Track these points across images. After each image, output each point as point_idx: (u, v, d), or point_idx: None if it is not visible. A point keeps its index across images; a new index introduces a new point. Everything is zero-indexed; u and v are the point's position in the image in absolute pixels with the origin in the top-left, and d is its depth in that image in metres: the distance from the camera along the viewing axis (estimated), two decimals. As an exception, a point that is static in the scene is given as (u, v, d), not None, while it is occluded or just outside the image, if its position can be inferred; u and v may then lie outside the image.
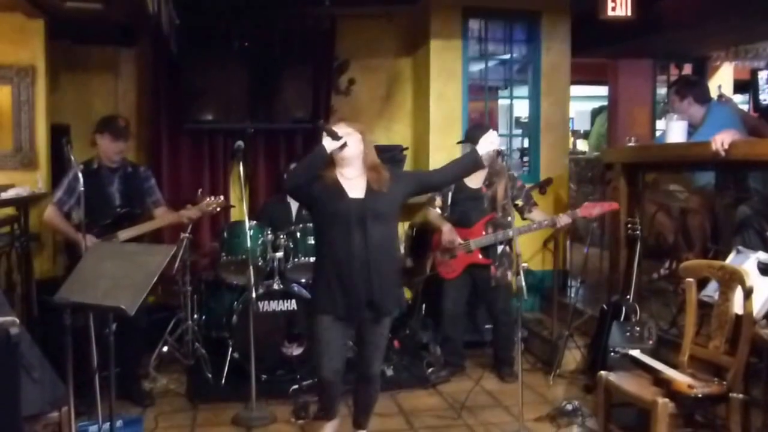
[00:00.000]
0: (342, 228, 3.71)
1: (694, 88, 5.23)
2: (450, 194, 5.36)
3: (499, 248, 5.25)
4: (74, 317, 3.33)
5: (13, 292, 5.26)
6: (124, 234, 4.82)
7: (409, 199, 4.06)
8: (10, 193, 5.22)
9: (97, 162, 4.92)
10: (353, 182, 3.79)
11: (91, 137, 4.97)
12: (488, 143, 3.93)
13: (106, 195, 4.89)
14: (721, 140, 3.90)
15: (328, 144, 3.67)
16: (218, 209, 5.11)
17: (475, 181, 5.30)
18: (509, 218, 5.03)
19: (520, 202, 5.28)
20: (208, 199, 5.05)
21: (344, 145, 3.70)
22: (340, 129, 3.73)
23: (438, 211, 5.40)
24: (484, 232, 5.23)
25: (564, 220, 5.14)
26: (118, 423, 4.10)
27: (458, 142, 5.52)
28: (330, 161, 3.78)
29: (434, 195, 5.42)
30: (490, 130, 4.04)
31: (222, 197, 5.20)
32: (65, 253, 5.07)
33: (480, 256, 5.24)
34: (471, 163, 4.00)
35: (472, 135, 5.30)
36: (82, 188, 4.17)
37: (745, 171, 4.32)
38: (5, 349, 2.70)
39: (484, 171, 5.28)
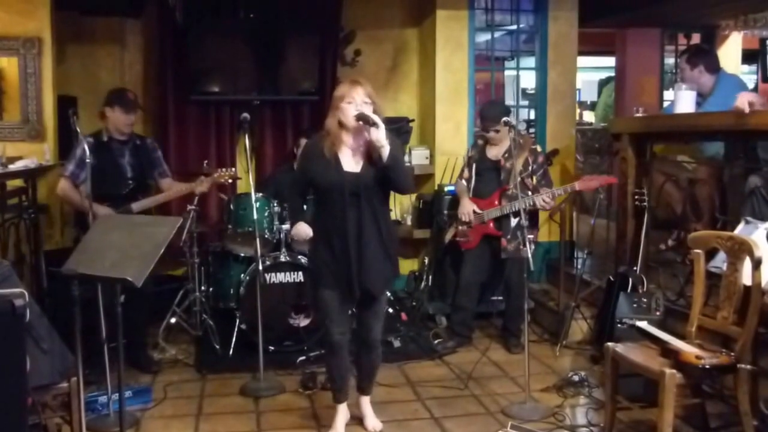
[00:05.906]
0: (336, 203, 3.65)
1: (705, 56, 5.17)
2: (474, 165, 5.36)
3: (513, 222, 5.16)
4: (83, 288, 3.35)
5: (23, 263, 5.29)
6: (137, 206, 4.89)
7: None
8: (18, 165, 5.22)
9: (106, 134, 4.93)
10: (353, 153, 3.69)
11: (100, 110, 4.96)
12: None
13: (117, 167, 4.91)
14: (747, 99, 3.86)
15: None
16: (230, 180, 5.16)
17: (494, 152, 5.29)
18: (528, 192, 5.04)
19: (535, 180, 5.22)
20: (220, 171, 5.09)
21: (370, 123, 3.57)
22: (358, 97, 3.58)
23: (464, 183, 5.41)
24: (497, 204, 5.21)
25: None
26: (127, 393, 4.15)
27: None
28: (328, 132, 3.69)
29: (464, 167, 5.45)
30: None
31: (233, 168, 5.26)
32: (76, 225, 5.09)
33: (493, 228, 5.23)
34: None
35: (484, 114, 5.30)
36: (89, 160, 4.17)
37: (755, 141, 4.28)
38: (11, 320, 2.70)
39: (507, 143, 5.24)
